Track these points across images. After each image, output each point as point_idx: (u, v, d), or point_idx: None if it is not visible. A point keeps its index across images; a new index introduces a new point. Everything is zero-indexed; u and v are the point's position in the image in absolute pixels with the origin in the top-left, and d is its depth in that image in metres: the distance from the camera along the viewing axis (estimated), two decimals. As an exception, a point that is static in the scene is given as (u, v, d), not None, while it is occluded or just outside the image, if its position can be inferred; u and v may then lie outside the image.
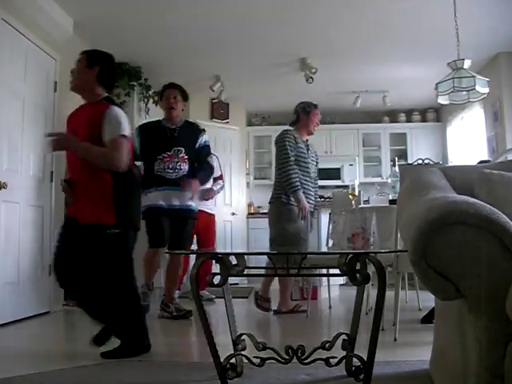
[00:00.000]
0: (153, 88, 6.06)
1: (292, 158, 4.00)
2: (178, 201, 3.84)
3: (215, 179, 5.18)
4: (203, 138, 4.04)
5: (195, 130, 4.09)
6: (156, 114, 6.47)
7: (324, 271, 4.32)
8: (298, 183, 3.97)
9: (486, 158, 5.68)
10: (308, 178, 4.12)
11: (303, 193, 3.99)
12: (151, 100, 6.11)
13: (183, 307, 3.90)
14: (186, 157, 3.87)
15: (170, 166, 3.82)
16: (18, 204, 3.87)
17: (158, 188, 3.82)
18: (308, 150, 4.21)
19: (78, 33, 4.82)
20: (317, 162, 4.38)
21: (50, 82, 4.41)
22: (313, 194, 4.19)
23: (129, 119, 5.87)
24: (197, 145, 3.97)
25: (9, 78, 3.77)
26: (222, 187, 5.43)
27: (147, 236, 3.87)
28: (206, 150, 4.03)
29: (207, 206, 5.23)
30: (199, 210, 5.09)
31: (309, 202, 4.03)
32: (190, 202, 3.92)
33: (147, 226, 3.85)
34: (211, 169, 4.06)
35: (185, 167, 3.86)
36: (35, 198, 4.13)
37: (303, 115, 4.28)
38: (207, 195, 5.17)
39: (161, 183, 3.82)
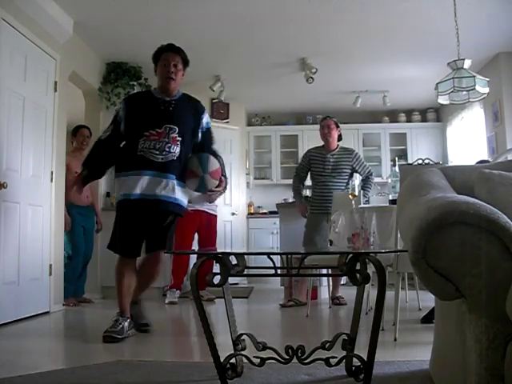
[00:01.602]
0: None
1: (297, 173, 4.91)
2: (164, 191, 3.04)
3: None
4: (206, 119, 3.29)
5: (197, 107, 3.26)
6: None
7: (324, 271, 4.32)
8: (295, 190, 4.89)
9: (485, 158, 5.68)
10: (322, 186, 4.68)
11: (316, 201, 4.70)
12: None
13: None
14: (178, 138, 3.07)
15: (157, 147, 3.01)
16: (18, 204, 3.87)
17: (137, 172, 3.01)
18: (325, 162, 4.69)
19: (78, 33, 4.83)
20: (348, 166, 4.71)
21: (50, 82, 4.42)
22: (326, 198, 4.61)
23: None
24: (200, 127, 3.22)
25: (9, 78, 3.77)
26: (225, 188, 5.35)
27: (112, 235, 3.14)
28: (209, 133, 3.29)
29: (209, 207, 5.23)
30: (199, 211, 5.11)
31: (327, 207, 4.57)
32: (179, 197, 3.14)
33: (116, 223, 3.13)
34: (221, 160, 3.31)
35: (175, 150, 3.06)
36: (35, 197, 4.13)
37: None
38: (211, 198, 5.14)
39: (142, 166, 3.00)
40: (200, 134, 3.23)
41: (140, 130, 3.04)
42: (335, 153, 4.71)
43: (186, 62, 3.24)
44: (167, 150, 3.03)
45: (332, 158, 4.68)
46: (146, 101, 3.15)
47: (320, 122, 4.88)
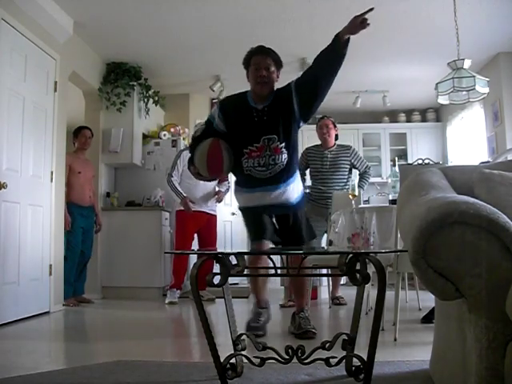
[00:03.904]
0: (153, 88, 6.07)
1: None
2: (275, 200, 2.98)
3: (220, 180, 5.17)
4: (293, 85, 3.01)
5: (286, 95, 2.96)
6: (156, 114, 6.48)
7: (324, 271, 4.32)
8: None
9: (486, 158, 5.68)
10: (321, 183, 4.70)
11: (316, 198, 4.69)
12: (151, 100, 6.11)
13: (310, 324, 2.98)
14: (281, 145, 2.90)
15: (262, 163, 2.89)
16: (18, 204, 3.87)
17: (250, 190, 3.01)
18: (323, 158, 4.69)
19: (78, 33, 4.83)
20: (347, 162, 4.71)
21: (50, 82, 4.42)
22: (325, 195, 4.63)
23: (128, 119, 5.92)
24: (293, 103, 2.92)
25: (9, 78, 3.77)
26: (229, 188, 5.37)
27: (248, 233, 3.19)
28: (298, 83, 3.01)
29: (210, 207, 5.23)
30: (200, 211, 5.11)
31: (326, 203, 4.58)
32: (293, 196, 3.03)
33: (245, 223, 3.18)
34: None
35: (281, 158, 2.90)
36: (35, 197, 4.13)
37: None
38: (218, 198, 5.19)
39: (252, 185, 2.97)
40: (297, 102, 2.93)
41: (240, 147, 2.92)
42: (333, 149, 4.73)
43: (278, 63, 3.08)
44: (272, 163, 2.90)
45: (330, 154, 4.70)
46: (241, 110, 2.98)
47: (317, 121, 4.90)
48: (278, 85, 3.06)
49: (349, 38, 2.90)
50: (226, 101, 3.11)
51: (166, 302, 4.89)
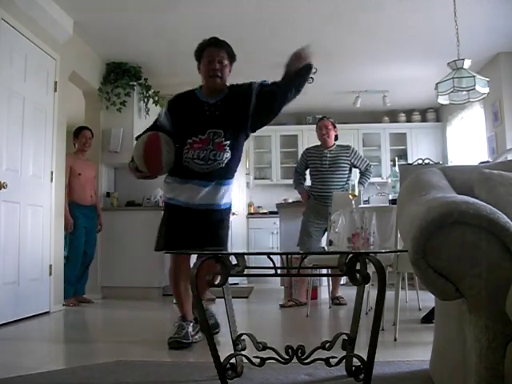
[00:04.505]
0: (153, 88, 6.07)
1: (296, 170, 5.00)
2: (205, 200, 2.84)
3: None
4: (257, 86, 2.85)
5: (244, 93, 2.84)
6: (156, 114, 6.47)
7: (324, 271, 4.32)
8: (296, 181, 4.96)
9: (485, 158, 5.68)
10: (320, 182, 4.72)
11: (315, 197, 4.74)
12: (151, 100, 6.11)
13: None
14: (225, 143, 2.79)
15: (201, 156, 2.75)
16: (18, 204, 3.87)
17: (182, 181, 2.85)
18: (322, 157, 4.73)
19: (78, 33, 4.83)
20: (347, 162, 4.73)
21: (50, 82, 4.42)
22: (325, 194, 4.65)
23: (128, 119, 5.92)
24: (250, 105, 2.82)
25: (9, 78, 3.77)
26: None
27: (159, 237, 2.93)
28: (267, 87, 2.87)
29: None
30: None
31: (326, 202, 4.57)
32: (221, 200, 2.90)
33: (162, 223, 2.96)
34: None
35: (223, 157, 2.79)
36: (35, 197, 4.13)
37: None
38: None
39: (186, 176, 2.82)
40: (254, 105, 2.82)
41: (183, 138, 2.80)
42: (332, 149, 4.76)
43: (232, 57, 2.93)
44: (212, 158, 2.77)
45: (329, 154, 4.73)
46: (190, 105, 2.86)
47: (317, 122, 4.92)
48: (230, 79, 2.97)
49: (310, 65, 3.01)
50: (175, 99, 2.97)
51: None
